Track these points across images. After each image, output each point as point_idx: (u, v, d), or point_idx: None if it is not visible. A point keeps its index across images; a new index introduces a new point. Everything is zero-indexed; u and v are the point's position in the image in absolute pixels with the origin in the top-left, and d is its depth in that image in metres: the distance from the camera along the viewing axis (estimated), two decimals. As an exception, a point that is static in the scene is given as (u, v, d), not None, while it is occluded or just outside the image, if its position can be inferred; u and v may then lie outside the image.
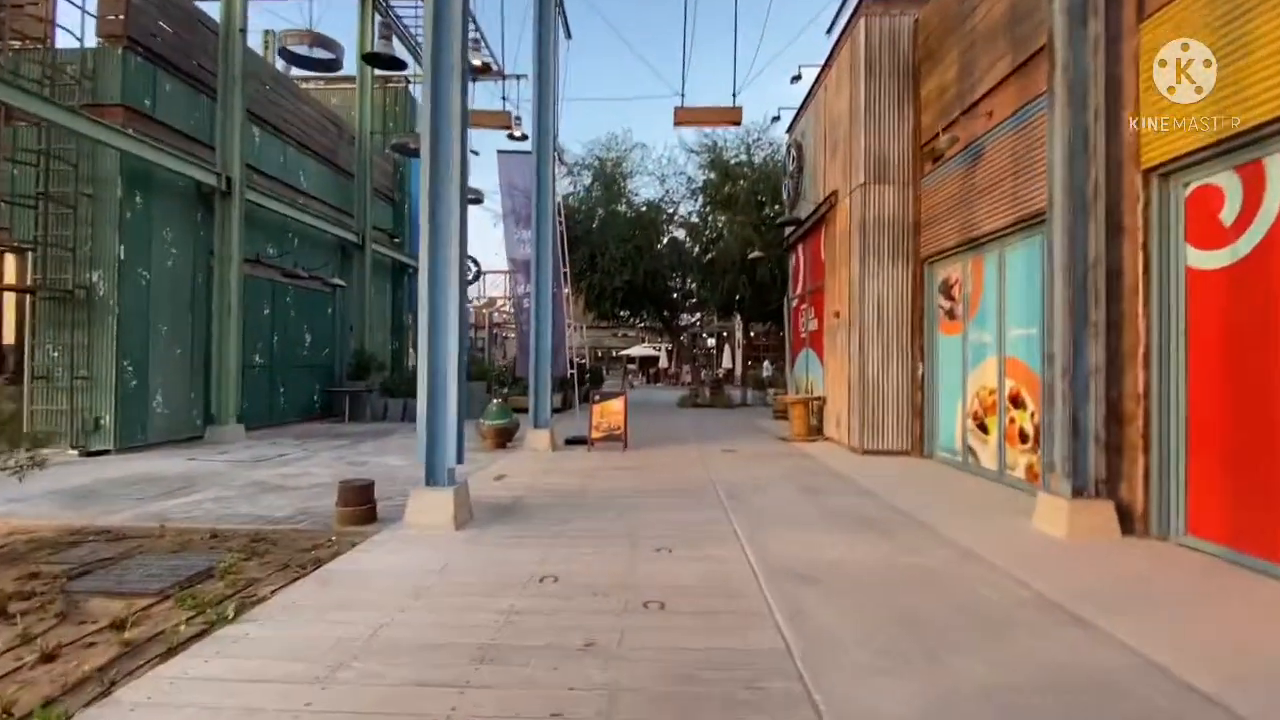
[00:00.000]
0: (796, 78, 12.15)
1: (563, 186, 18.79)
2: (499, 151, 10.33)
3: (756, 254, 14.43)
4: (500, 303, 50.08)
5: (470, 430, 11.57)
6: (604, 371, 45.34)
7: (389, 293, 17.15)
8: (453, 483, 5.28)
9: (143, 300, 9.20)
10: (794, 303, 13.86)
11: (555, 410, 14.50)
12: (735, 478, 7.37)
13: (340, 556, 4.48)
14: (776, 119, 13.31)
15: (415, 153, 14.07)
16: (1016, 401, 6.87)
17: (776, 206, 18.39)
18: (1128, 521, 4.97)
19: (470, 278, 18.41)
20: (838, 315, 10.24)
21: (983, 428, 7.56)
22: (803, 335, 13.00)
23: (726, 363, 37.27)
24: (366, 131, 14.59)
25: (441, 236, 5.35)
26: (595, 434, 9.60)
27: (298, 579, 4.08)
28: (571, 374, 11.30)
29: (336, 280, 13.23)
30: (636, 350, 45.46)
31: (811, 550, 4.55)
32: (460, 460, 5.37)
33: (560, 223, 10.77)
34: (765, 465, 8.32)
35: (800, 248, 13.15)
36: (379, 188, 16.53)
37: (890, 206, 9.23)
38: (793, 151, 13.33)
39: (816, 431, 11.11)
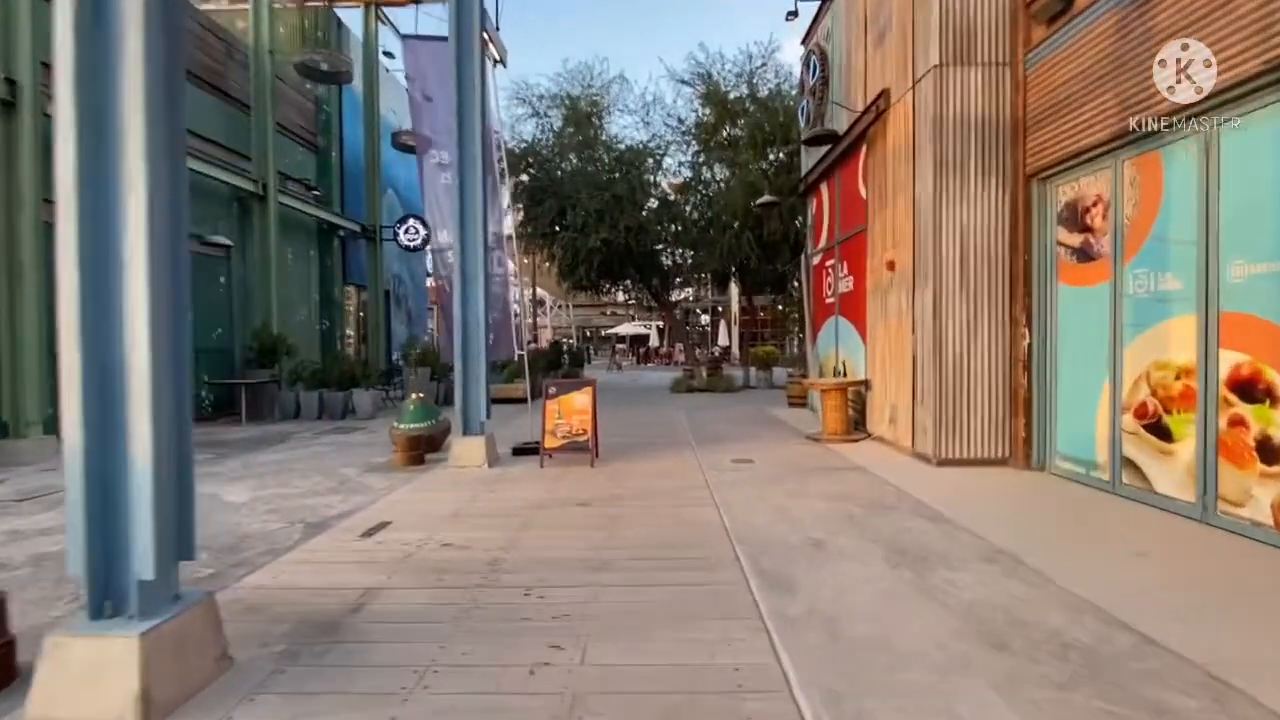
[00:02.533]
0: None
1: (527, 130, 15.64)
2: (403, 37, 7.20)
3: (766, 199, 11.43)
4: (480, 281, 46.83)
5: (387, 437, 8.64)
6: (590, 352, 42.37)
7: (314, 258, 14.03)
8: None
9: None
10: (816, 259, 10.90)
11: (513, 401, 11.58)
12: (765, 522, 4.48)
13: None
14: (793, 15, 10.25)
15: (327, 76, 10.91)
16: (1250, 389, 3.98)
17: (784, 153, 15.35)
18: None
19: (418, 243, 15.28)
20: (891, 266, 7.30)
21: (1159, 430, 4.68)
22: (829, 300, 10.08)
23: (723, 340, 34.37)
24: (264, 49, 11.32)
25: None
26: (550, 442, 6.66)
27: None
28: (521, 356, 8.31)
29: (218, 238, 10.09)
30: (626, 329, 42.46)
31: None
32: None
33: (500, 145, 7.72)
34: (804, 491, 5.43)
35: (825, 186, 10.16)
36: (292, 127, 13.30)
37: (978, 99, 6.25)
38: (814, 61, 10.26)
39: (856, 427, 8.25)
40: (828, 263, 10.18)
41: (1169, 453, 4.61)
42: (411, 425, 7.26)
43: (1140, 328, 4.89)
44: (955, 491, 5.30)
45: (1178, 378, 4.53)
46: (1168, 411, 4.62)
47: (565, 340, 37.30)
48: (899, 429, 7.14)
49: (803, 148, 11.56)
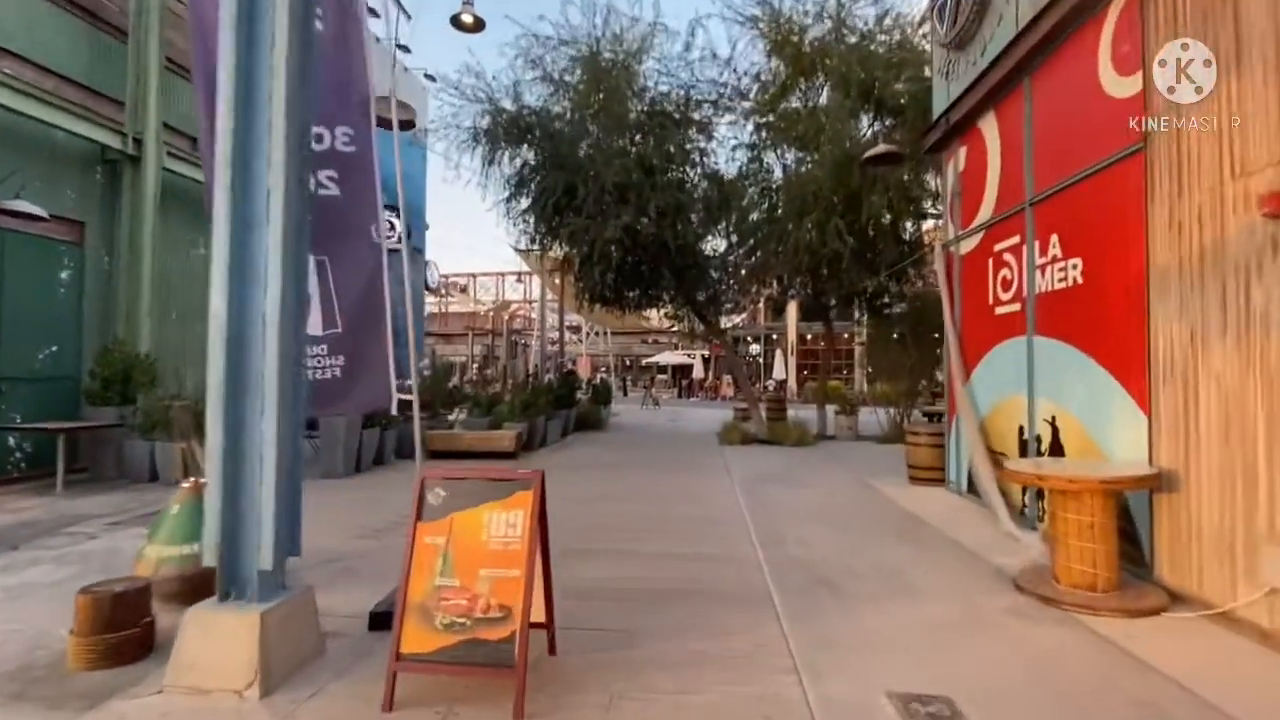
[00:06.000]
0: None
1: (533, 96, 11.80)
2: None
3: (883, 149, 7.25)
4: (515, 307, 43.48)
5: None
6: (627, 383, 37.97)
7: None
8: None
9: None
10: (968, 246, 6.64)
11: (496, 456, 7.54)
12: None
13: None
14: None
15: None
16: None
17: (879, 123, 11.18)
18: None
19: (392, 241, 11.67)
20: (1273, 209, 3.03)
21: None
22: (1002, 309, 5.79)
23: (778, 372, 29.81)
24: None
25: None
26: (416, 638, 2.55)
27: None
28: (408, 403, 4.28)
29: (24, 206, 6.53)
30: (666, 357, 38.31)
31: None
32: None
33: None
34: None
35: (993, 116, 5.97)
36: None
37: None
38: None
39: (1118, 565, 3.87)
40: (998, 247, 5.92)
41: None
42: (165, 552, 3.34)
43: None
44: None
45: None
46: None
47: (600, 372, 33.09)
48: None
49: (936, 79, 7.42)
